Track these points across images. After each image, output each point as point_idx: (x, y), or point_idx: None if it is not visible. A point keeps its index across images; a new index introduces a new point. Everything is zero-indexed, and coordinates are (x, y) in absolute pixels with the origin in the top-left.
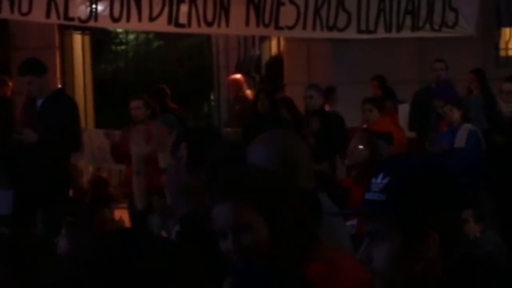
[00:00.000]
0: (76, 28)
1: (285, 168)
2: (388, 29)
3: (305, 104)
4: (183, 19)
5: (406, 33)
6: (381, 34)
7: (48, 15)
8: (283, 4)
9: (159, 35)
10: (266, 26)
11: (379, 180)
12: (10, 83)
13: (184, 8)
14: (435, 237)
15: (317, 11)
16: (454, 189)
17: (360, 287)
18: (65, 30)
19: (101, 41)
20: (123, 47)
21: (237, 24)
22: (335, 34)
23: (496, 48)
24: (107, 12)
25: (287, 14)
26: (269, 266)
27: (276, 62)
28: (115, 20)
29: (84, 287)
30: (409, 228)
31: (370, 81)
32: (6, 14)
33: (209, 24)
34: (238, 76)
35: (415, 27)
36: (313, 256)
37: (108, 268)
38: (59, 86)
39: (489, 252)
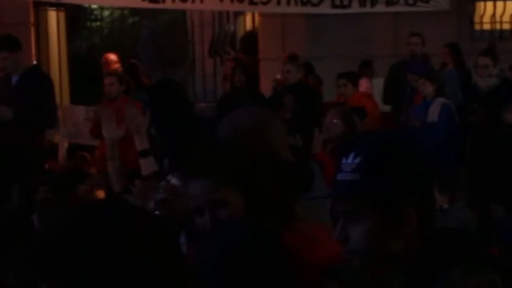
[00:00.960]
0: (51, 5)
1: (257, 143)
2: (362, 4)
3: (282, 78)
4: None
5: (380, 8)
6: (355, 9)
7: None
8: None
9: (134, 11)
10: (241, 1)
11: (350, 160)
12: None
13: None
14: (412, 213)
15: None
16: (426, 163)
17: (336, 257)
18: (40, 7)
19: (76, 17)
20: (98, 23)
21: (212, 0)
22: (309, 9)
23: (471, 22)
24: None
25: None
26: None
27: (251, 37)
28: None
29: (58, 257)
30: (385, 206)
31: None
32: None
33: (184, 0)
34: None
35: (389, 2)
36: (289, 229)
37: (82, 237)
38: (34, 62)
39: (461, 224)
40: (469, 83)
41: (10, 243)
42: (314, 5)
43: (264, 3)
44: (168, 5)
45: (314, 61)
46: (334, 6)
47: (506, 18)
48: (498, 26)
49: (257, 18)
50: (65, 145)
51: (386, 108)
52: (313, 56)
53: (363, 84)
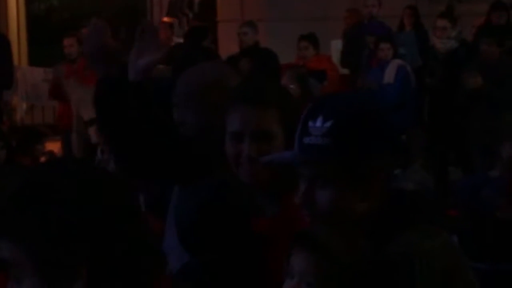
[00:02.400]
0: None
1: (222, 98)
2: None
3: (239, 40)
4: None
5: None
6: None
7: None
8: None
9: None
10: None
11: (318, 123)
12: None
13: None
14: (379, 175)
15: None
16: (388, 126)
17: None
18: None
19: None
20: None
21: None
22: None
23: None
24: None
25: None
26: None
27: None
28: None
29: (15, 215)
30: (354, 170)
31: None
32: None
33: None
34: None
35: None
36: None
37: (39, 195)
38: None
39: (417, 186)
40: (427, 45)
41: None
42: None
43: None
44: None
45: (273, 23)
46: None
47: None
48: None
49: None
50: (24, 106)
51: (344, 70)
52: (271, 18)
53: None
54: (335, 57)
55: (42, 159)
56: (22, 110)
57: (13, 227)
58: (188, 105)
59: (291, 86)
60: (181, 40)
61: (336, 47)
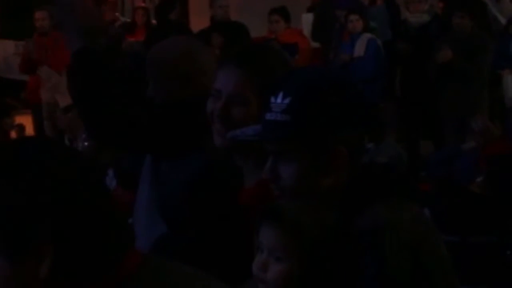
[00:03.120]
0: None
1: (193, 71)
2: None
3: (210, 15)
4: None
5: None
6: None
7: None
8: None
9: None
10: None
11: (279, 99)
12: None
13: None
14: (342, 150)
15: None
16: (357, 100)
17: None
18: None
19: None
20: None
21: None
22: None
23: None
24: None
25: None
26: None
27: None
28: None
29: None
30: (317, 146)
31: None
32: None
33: None
34: None
35: None
36: None
37: (6, 172)
38: None
39: (390, 159)
40: (398, 20)
41: None
42: None
43: None
44: None
45: None
46: None
47: None
48: None
49: None
50: None
51: (316, 44)
52: None
53: None
54: (307, 30)
55: (13, 133)
56: None
57: None
58: (159, 77)
59: None
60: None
61: (307, 20)
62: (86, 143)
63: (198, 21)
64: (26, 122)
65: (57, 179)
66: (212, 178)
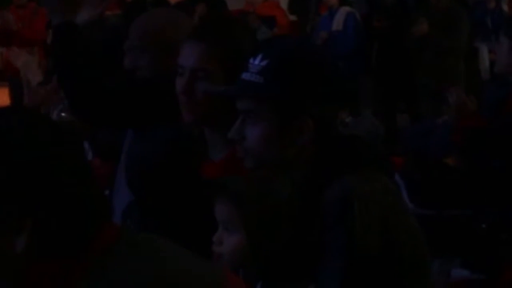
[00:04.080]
0: None
1: (178, 41)
2: None
3: None
4: None
5: None
6: None
7: None
8: None
9: None
10: None
11: (257, 61)
12: None
13: None
14: (309, 123)
15: None
16: (333, 75)
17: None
18: None
19: None
20: None
21: None
22: None
23: None
24: None
25: None
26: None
27: None
28: None
29: None
30: (284, 112)
31: None
32: None
33: None
34: None
35: None
36: None
37: None
38: None
39: (366, 132)
40: None
41: None
42: None
43: None
44: None
45: None
46: None
47: None
48: None
49: None
50: None
51: (293, 17)
52: None
53: None
54: (284, 3)
55: None
56: None
57: None
58: (143, 48)
59: None
60: None
61: None
62: (63, 114)
63: None
64: (3, 94)
65: (33, 151)
66: (174, 152)
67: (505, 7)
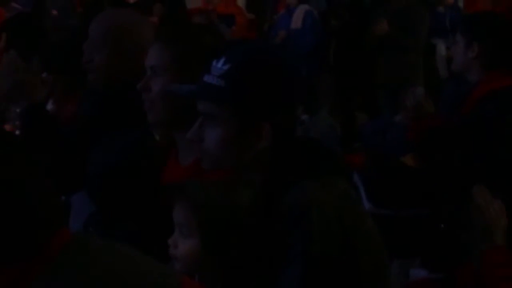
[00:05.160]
0: None
1: (130, 43)
2: None
3: None
4: None
5: None
6: None
7: None
8: None
9: None
10: None
11: (220, 64)
12: None
13: None
14: (268, 128)
15: None
16: (293, 80)
17: None
18: None
19: None
20: None
21: None
22: None
23: None
24: None
25: None
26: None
27: None
28: None
29: None
30: (244, 117)
31: None
32: None
33: None
34: None
35: None
36: None
37: None
38: None
39: (323, 134)
40: None
41: None
42: None
43: None
44: None
45: None
46: None
47: None
48: None
49: None
50: None
51: (251, 15)
52: None
53: None
54: (241, 1)
55: None
56: None
57: None
58: (100, 45)
59: None
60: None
61: None
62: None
63: None
64: None
65: None
66: (135, 157)
67: (460, 4)
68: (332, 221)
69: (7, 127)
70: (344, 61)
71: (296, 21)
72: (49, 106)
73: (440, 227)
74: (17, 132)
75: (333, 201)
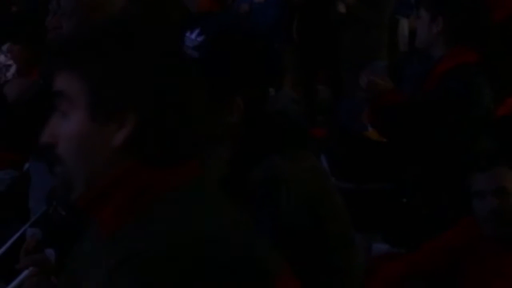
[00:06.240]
0: None
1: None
2: None
3: None
4: None
5: None
6: None
7: None
8: None
9: None
10: None
11: (194, 35)
12: None
13: None
14: (239, 102)
15: None
16: (266, 54)
17: None
18: None
19: None
20: None
21: None
22: None
23: None
24: None
25: None
26: None
27: None
28: None
29: (75, 51)
30: (217, 90)
31: None
32: None
33: None
34: None
35: None
36: None
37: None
38: None
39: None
40: None
41: None
42: None
43: None
44: None
45: None
46: None
47: None
48: None
49: None
50: None
51: None
52: None
53: None
54: None
55: None
56: None
57: (78, 59)
58: (71, 12)
59: None
60: None
61: None
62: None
63: None
64: None
65: (161, 54)
66: None
67: None
68: (302, 196)
69: None
70: (307, 36)
71: None
72: (13, 76)
73: (402, 202)
74: None
75: (302, 175)
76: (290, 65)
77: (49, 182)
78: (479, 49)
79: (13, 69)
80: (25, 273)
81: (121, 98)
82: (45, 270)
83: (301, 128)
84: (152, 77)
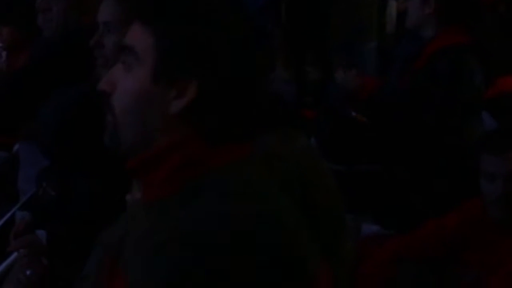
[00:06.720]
0: None
1: None
2: None
3: None
4: None
5: None
6: None
7: None
8: None
9: None
10: None
11: None
12: None
13: None
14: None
15: None
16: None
17: None
18: None
19: None
20: None
21: None
22: None
23: None
24: None
25: None
26: None
27: None
28: None
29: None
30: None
31: None
32: None
33: None
34: None
35: None
36: None
37: None
38: None
39: (276, 89)
40: None
41: None
42: None
43: None
44: None
45: None
46: None
47: None
48: None
49: None
50: None
51: None
52: None
53: None
54: None
55: None
56: None
57: (158, 16)
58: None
59: None
60: None
61: None
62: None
63: None
64: None
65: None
66: (86, 106)
67: None
68: (294, 176)
69: None
70: (296, 17)
71: None
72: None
73: (391, 184)
74: None
75: (294, 155)
76: (279, 46)
77: (39, 163)
78: (470, 30)
79: (4, 54)
80: (14, 255)
81: (187, 66)
82: (36, 251)
83: (291, 107)
84: (223, 50)
